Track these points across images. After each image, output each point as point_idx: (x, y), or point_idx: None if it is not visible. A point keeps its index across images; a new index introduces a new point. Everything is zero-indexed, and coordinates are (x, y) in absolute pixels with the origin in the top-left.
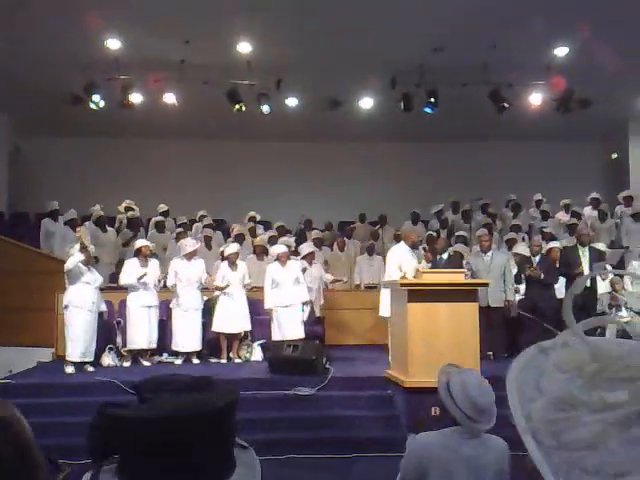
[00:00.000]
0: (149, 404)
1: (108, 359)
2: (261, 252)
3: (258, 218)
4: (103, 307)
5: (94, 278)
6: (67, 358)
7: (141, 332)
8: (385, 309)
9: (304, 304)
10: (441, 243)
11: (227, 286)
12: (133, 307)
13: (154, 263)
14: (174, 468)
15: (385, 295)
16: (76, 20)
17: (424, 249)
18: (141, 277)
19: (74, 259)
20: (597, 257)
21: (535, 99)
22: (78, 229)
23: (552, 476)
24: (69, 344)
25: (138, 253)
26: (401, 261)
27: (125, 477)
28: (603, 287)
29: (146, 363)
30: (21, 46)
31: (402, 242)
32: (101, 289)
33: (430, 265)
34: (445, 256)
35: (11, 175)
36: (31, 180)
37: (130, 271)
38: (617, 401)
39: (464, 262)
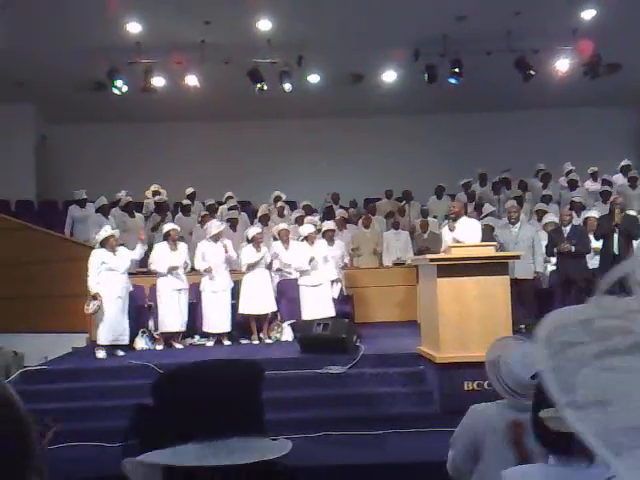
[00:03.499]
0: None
1: (141, 343)
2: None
3: (283, 198)
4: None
5: (119, 264)
6: (97, 342)
7: (172, 315)
8: None
9: (333, 282)
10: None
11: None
12: (164, 291)
13: (183, 247)
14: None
15: None
16: (96, 5)
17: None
18: (173, 268)
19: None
20: (630, 224)
21: (562, 65)
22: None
23: None
24: (99, 329)
25: (167, 237)
26: None
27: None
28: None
29: (178, 346)
30: (42, 34)
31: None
32: (131, 273)
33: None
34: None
35: (38, 164)
36: (58, 168)
37: (161, 258)
38: None
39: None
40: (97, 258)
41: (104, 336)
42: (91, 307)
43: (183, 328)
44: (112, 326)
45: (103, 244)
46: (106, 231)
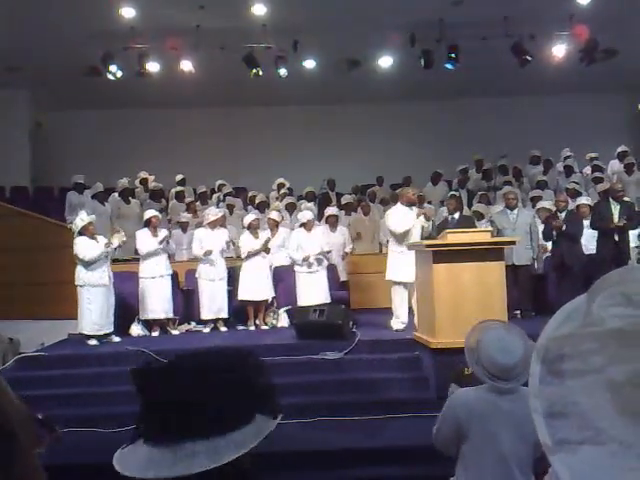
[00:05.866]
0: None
1: (137, 329)
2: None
3: (287, 185)
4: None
5: (103, 251)
6: (81, 332)
7: (154, 302)
8: (392, 273)
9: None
10: (452, 204)
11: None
12: (145, 277)
13: (164, 232)
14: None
15: (392, 258)
16: None
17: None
18: (162, 240)
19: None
20: (629, 210)
21: (558, 50)
22: (116, 233)
23: None
24: (84, 319)
25: (148, 224)
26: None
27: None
28: (634, 241)
29: (174, 332)
30: (36, 20)
31: (398, 203)
32: (126, 260)
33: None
34: (457, 216)
35: (33, 150)
36: (53, 154)
37: (146, 240)
38: None
39: (482, 221)
40: (86, 243)
41: (88, 326)
42: (115, 239)
43: (168, 315)
44: (98, 315)
45: (82, 232)
46: (82, 219)
